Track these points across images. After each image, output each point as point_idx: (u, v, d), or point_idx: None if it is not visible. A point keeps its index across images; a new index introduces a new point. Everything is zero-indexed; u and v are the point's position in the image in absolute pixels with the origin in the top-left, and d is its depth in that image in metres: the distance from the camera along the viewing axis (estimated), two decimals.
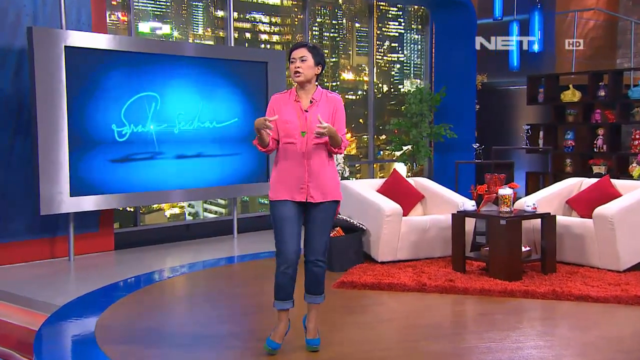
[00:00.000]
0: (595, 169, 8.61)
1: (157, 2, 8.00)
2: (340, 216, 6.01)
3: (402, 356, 3.77)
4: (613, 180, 6.18)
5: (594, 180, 6.34)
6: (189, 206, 8.50)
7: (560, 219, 5.81)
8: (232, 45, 7.89)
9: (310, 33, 9.33)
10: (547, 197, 6.18)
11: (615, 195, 5.90)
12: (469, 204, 5.72)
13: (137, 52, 6.71)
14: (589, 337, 4.08)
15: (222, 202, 8.73)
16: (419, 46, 10.81)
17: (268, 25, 9.19)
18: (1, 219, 6.27)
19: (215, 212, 8.79)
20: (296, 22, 9.39)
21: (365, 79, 10.12)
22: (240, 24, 8.83)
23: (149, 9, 7.92)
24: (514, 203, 5.54)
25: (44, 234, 6.52)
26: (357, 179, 9.59)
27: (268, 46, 9.16)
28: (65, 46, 6.14)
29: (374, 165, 10.16)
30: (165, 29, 8.07)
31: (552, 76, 9.46)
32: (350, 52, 10.10)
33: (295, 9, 9.33)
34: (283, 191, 3.68)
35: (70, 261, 6.49)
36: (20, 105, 6.30)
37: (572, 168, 9.07)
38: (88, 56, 6.34)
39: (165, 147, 6.96)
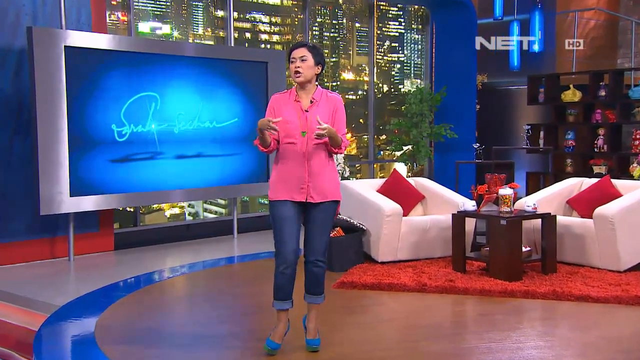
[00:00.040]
0: (596, 169, 8.60)
1: (157, 2, 7.99)
2: (340, 216, 6.00)
3: (402, 356, 3.76)
4: (613, 181, 6.18)
5: (594, 180, 6.34)
6: (189, 206, 8.50)
7: (561, 219, 5.80)
8: (232, 45, 7.88)
9: (310, 33, 9.33)
10: (548, 197, 6.17)
11: (616, 195, 5.89)
12: (469, 204, 5.71)
13: (137, 52, 6.71)
14: (589, 338, 4.07)
15: (222, 202, 8.72)
16: (419, 46, 10.80)
17: (268, 25, 9.19)
18: (1, 219, 6.27)
19: (215, 212, 8.79)
20: (296, 22, 9.39)
21: (366, 78, 10.11)
22: (240, 24, 8.82)
23: (148, 8, 7.92)
24: (514, 203, 5.53)
25: (43, 234, 6.52)
26: (357, 179, 9.58)
27: (268, 46, 9.16)
28: (65, 46, 6.14)
29: (374, 165, 10.15)
30: (165, 29, 8.07)
31: (553, 76, 9.45)
32: (351, 52, 10.09)
33: (296, 9, 9.33)
34: (283, 191, 3.68)
35: (70, 261, 6.48)
36: (20, 105, 6.30)
37: (573, 168, 9.06)
38: (88, 56, 6.33)
39: (165, 147, 6.96)
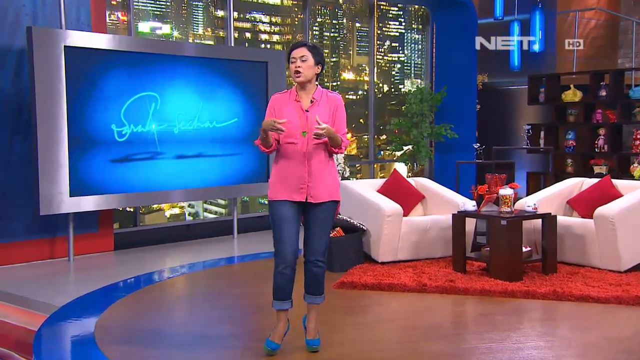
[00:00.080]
0: (597, 169, 8.59)
1: (157, 2, 7.99)
2: (340, 216, 6.00)
3: (402, 357, 3.76)
4: (614, 181, 6.17)
5: (595, 180, 6.33)
6: (189, 206, 8.49)
7: (561, 219, 5.79)
8: (232, 45, 7.88)
9: (310, 33, 9.32)
10: (548, 197, 6.17)
11: (616, 195, 5.88)
12: (470, 204, 5.71)
13: (137, 52, 6.70)
14: (590, 338, 4.07)
15: (222, 202, 8.72)
16: (420, 46, 10.80)
17: (268, 25, 9.18)
18: (1, 219, 6.26)
19: (215, 213, 8.78)
20: (296, 22, 9.38)
21: (366, 78, 10.11)
22: (240, 24, 8.82)
23: (148, 8, 7.91)
24: (514, 203, 5.53)
25: (43, 234, 6.51)
26: (357, 179, 9.58)
27: (268, 46, 9.15)
28: (65, 46, 6.13)
29: (375, 166, 10.15)
30: (165, 28, 8.06)
31: (553, 76, 9.44)
32: (351, 52, 10.09)
33: (296, 9, 9.32)
34: (282, 191, 3.67)
35: (69, 261, 6.48)
36: (19, 105, 6.29)
37: (573, 168, 9.05)
38: (88, 56, 6.32)
39: (165, 147, 6.95)
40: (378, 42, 10.20)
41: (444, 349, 3.89)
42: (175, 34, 8.20)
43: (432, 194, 6.50)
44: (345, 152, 5.63)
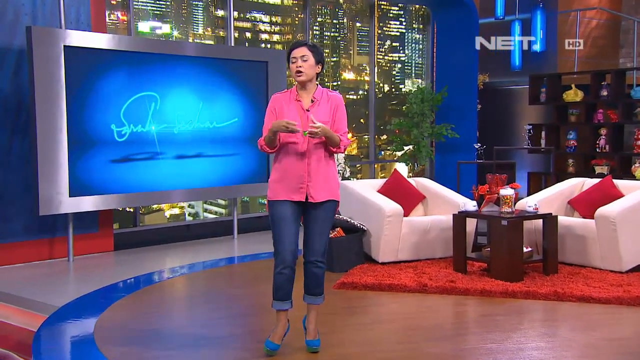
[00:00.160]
0: (598, 169, 8.57)
1: (157, 2, 7.98)
2: (341, 217, 5.98)
3: (402, 357, 3.75)
4: (615, 181, 6.15)
5: (596, 180, 6.31)
6: (189, 206, 8.48)
7: (562, 219, 5.77)
8: (232, 44, 7.86)
9: (310, 32, 9.31)
10: (549, 198, 6.15)
11: (618, 195, 5.87)
12: (470, 205, 5.69)
13: (137, 51, 6.69)
14: (591, 339, 4.05)
15: (222, 202, 8.70)
16: (420, 46, 10.78)
17: (268, 25, 9.17)
18: (0, 219, 6.25)
19: (216, 213, 8.77)
20: (297, 22, 9.37)
21: (366, 78, 10.09)
22: (240, 24, 8.81)
23: (148, 8, 7.90)
24: (515, 203, 5.51)
25: (43, 234, 6.50)
26: (358, 179, 9.57)
27: (268, 46, 9.14)
28: (65, 46, 6.12)
29: (375, 166, 10.13)
30: (165, 28, 8.05)
31: (554, 76, 9.42)
32: (351, 52, 10.07)
33: (296, 9, 9.31)
34: (282, 191, 3.66)
35: (69, 262, 6.46)
36: (19, 105, 6.28)
37: (575, 168, 9.03)
38: (87, 56, 6.31)
39: (165, 147, 6.94)
40: (379, 41, 10.19)
41: (444, 349, 3.87)
42: (175, 33, 8.19)
43: (432, 194, 6.48)
44: (346, 152, 5.61)
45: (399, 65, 10.62)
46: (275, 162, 3.72)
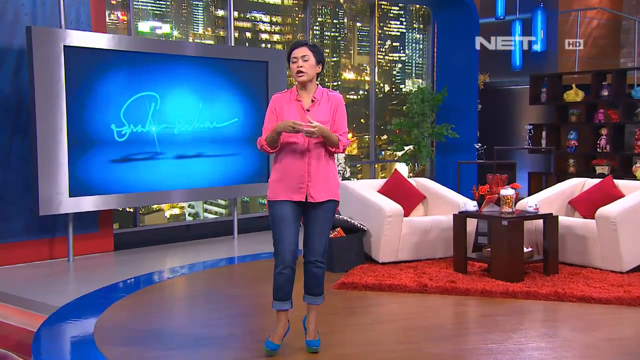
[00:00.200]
0: (599, 169, 8.56)
1: (157, 2, 7.97)
2: (341, 217, 5.98)
3: (403, 358, 3.74)
4: (616, 181, 6.15)
5: (596, 180, 6.31)
6: (189, 207, 8.48)
7: (563, 219, 5.76)
8: (233, 44, 7.86)
9: (311, 32, 9.30)
10: (549, 198, 6.14)
11: (618, 195, 5.86)
12: (471, 205, 5.69)
13: (137, 51, 6.68)
14: (591, 339, 4.04)
15: (223, 202, 8.70)
16: (421, 45, 10.78)
17: (269, 25, 9.16)
18: (0, 219, 6.24)
19: (216, 213, 8.77)
20: (297, 22, 9.36)
21: (367, 78, 10.09)
22: (240, 24, 8.80)
23: (148, 8, 7.90)
24: (516, 203, 5.50)
25: (43, 234, 6.50)
26: (358, 179, 9.56)
27: (269, 46, 9.14)
28: (65, 46, 6.12)
29: (375, 166, 10.12)
30: (165, 28, 8.05)
31: (555, 76, 9.41)
32: (352, 52, 10.07)
33: (296, 8, 9.30)
34: (281, 191, 3.65)
35: (69, 262, 6.46)
36: (19, 105, 6.28)
37: (575, 168, 9.02)
38: (87, 56, 6.31)
39: (165, 147, 6.93)
40: (379, 41, 10.18)
41: (444, 350, 3.87)
42: (175, 33, 8.19)
43: (433, 194, 6.48)
44: (346, 152, 5.60)
45: (400, 65, 10.61)
46: (275, 162, 3.72)
